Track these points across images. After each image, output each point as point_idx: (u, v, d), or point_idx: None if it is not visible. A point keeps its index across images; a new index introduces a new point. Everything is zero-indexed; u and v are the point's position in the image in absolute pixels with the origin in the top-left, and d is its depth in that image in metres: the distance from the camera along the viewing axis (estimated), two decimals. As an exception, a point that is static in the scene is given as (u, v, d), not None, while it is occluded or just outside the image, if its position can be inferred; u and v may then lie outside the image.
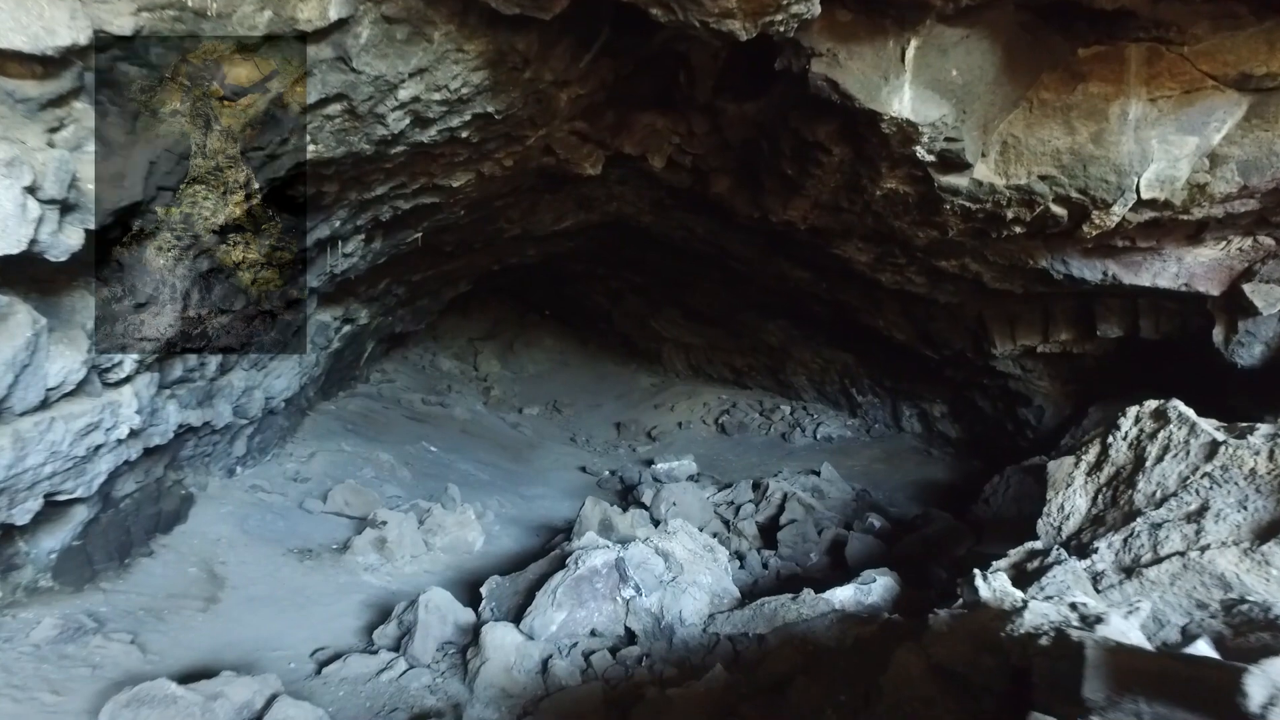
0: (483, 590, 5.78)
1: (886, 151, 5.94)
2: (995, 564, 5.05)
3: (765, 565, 7.88)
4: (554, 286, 18.02)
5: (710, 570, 5.49)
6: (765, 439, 14.18)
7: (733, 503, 9.24)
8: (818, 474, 10.03)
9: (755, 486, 9.36)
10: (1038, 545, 5.22)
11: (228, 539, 7.03)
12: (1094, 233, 6.19)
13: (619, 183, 9.49)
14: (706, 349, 16.93)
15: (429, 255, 10.48)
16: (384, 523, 7.38)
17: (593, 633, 5.21)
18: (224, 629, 5.65)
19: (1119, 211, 5.89)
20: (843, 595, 5.29)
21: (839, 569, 7.51)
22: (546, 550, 8.01)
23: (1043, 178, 5.88)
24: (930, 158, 5.87)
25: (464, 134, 5.90)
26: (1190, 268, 6.68)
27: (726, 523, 8.91)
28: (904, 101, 5.40)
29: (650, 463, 13.15)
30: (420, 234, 8.24)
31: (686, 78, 6.50)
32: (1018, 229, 6.57)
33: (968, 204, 6.32)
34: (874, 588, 5.39)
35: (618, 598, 5.10)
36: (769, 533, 8.58)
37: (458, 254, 10.82)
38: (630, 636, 5.20)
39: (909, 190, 6.49)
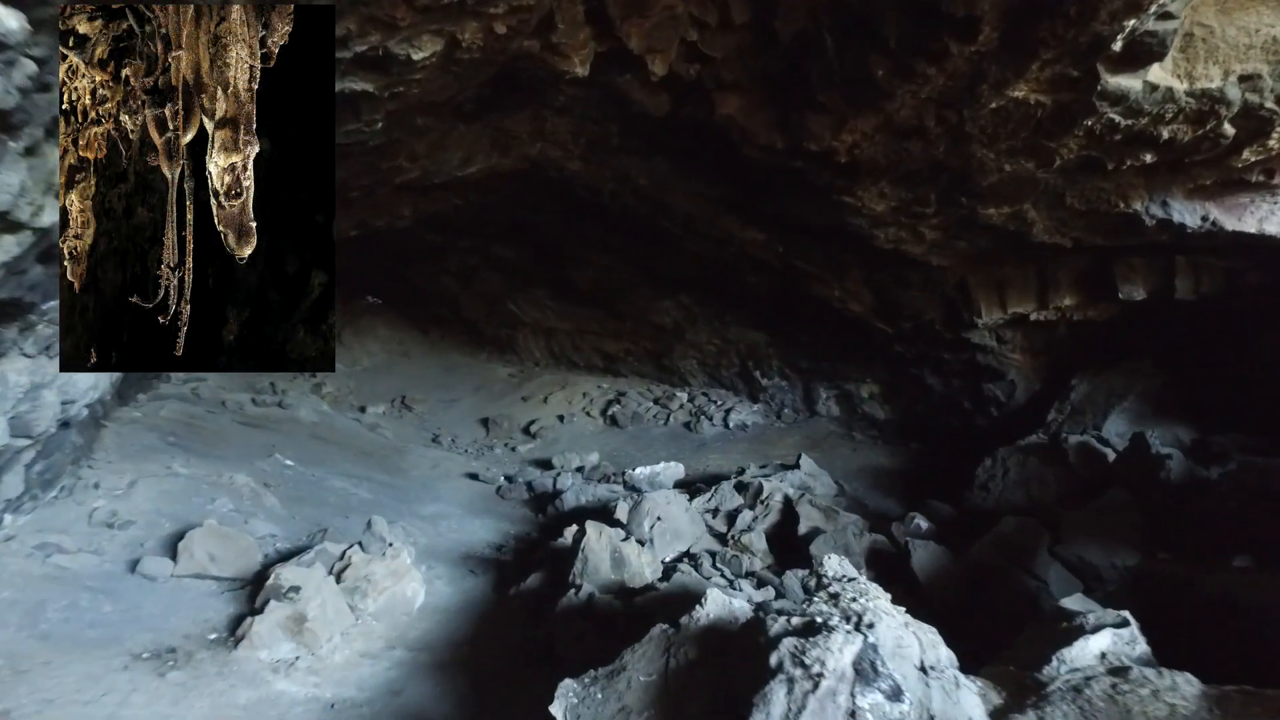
0: (559, 712, 3.27)
1: (1067, 31, 4.14)
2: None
3: (807, 590, 5.91)
4: (389, 267, 14.90)
5: (924, 629, 3.37)
6: (665, 430, 12.17)
7: (718, 510, 7.15)
8: (792, 467, 8.20)
9: (740, 488, 7.34)
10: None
11: (8, 654, 3.91)
12: (1256, 158, 4.80)
13: (561, 112, 7.05)
14: (573, 334, 14.62)
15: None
16: (294, 589, 4.53)
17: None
18: None
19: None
20: (1098, 645, 3.45)
21: (914, 592, 5.71)
22: (536, 600, 5.52)
23: (1244, 78, 4.35)
24: (1119, 46, 4.17)
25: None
26: (1310, 210, 5.53)
27: (721, 536, 6.81)
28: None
29: (546, 464, 10.74)
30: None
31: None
32: (1149, 156, 5.05)
33: (1118, 118, 4.68)
34: (1132, 631, 3.57)
35: (857, 710, 2.88)
36: (780, 546, 6.61)
37: (327, 205, 7.82)
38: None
39: (1045, 100, 4.73)
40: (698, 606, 3.45)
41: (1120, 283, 6.99)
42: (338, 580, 5.05)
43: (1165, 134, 4.74)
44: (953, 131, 5.28)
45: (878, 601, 3.20)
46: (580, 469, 10.30)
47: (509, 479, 9.95)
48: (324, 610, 4.53)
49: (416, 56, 4.37)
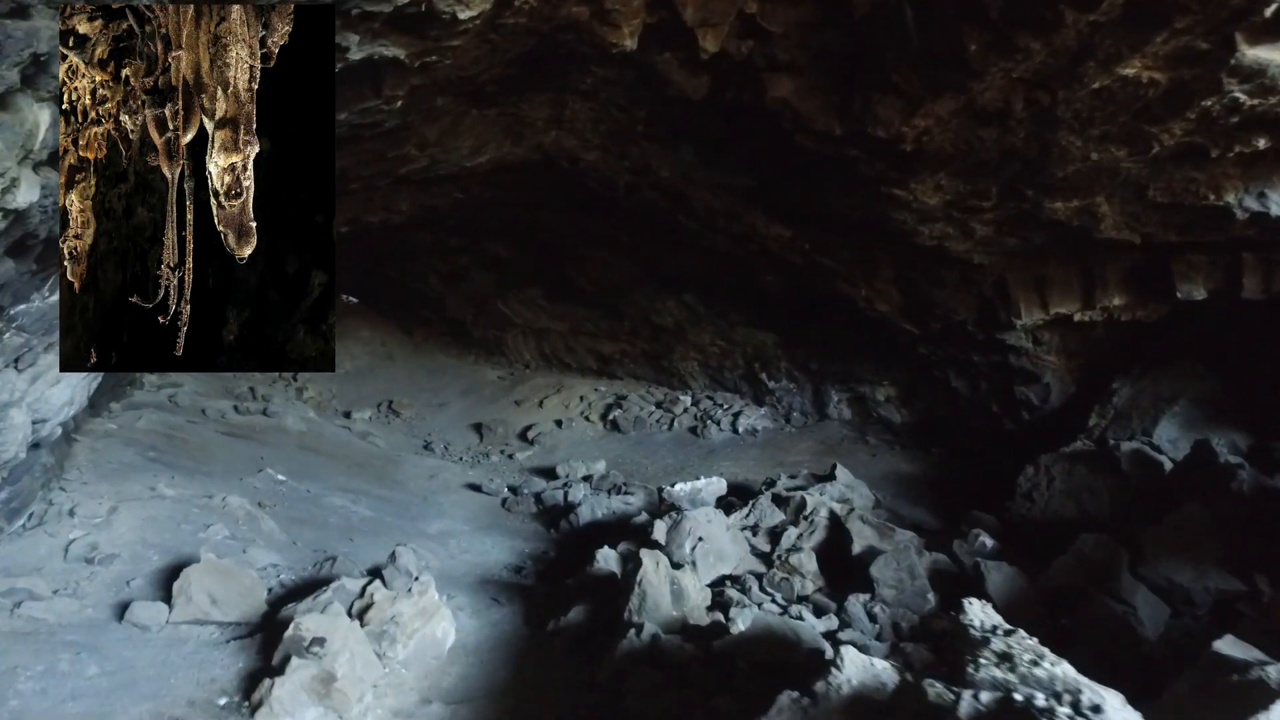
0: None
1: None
2: None
3: (873, 619, 5.33)
4: (374, 266, 14.08)
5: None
6: (670, 435, 11.52)
7: (757, 527, 6.54)
8: (827, 478, 7.61)
9: (779, 502, 6.74)
10: None
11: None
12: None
13: (585, 96, 6.38)
14: (567, 335, 13.91)
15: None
16: (319, 642, 3.81)
17: None
18: None
19: None
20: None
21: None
22: (582, 638, 4.85)
23: None
24: (1270, 11, 3.63)
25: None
26: None
27: (765, 556, 6.20)
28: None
29: (548, 473, 10.06)
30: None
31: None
32: (1262, 142, 4.54)
33: (1244, 96, 4.14)
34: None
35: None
36: (831, 566, 6.02)
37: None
38: None
39: (1159, 78, 4.19)
40: (834, 670, 2.83)
41: (1179, 281, 6.50)
42: (361, 622, 4.34)
43: (1292, 116, 4.24)
44: (1040, 116, 4.72)
45: (1064, 667, 2.61)
46: (588, 478, 9.63)
47: (514, 490, 9.25)
48: (353, 665, 3.82)
49: (463, 15, 3.69)
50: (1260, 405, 6.92)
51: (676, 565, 5.17)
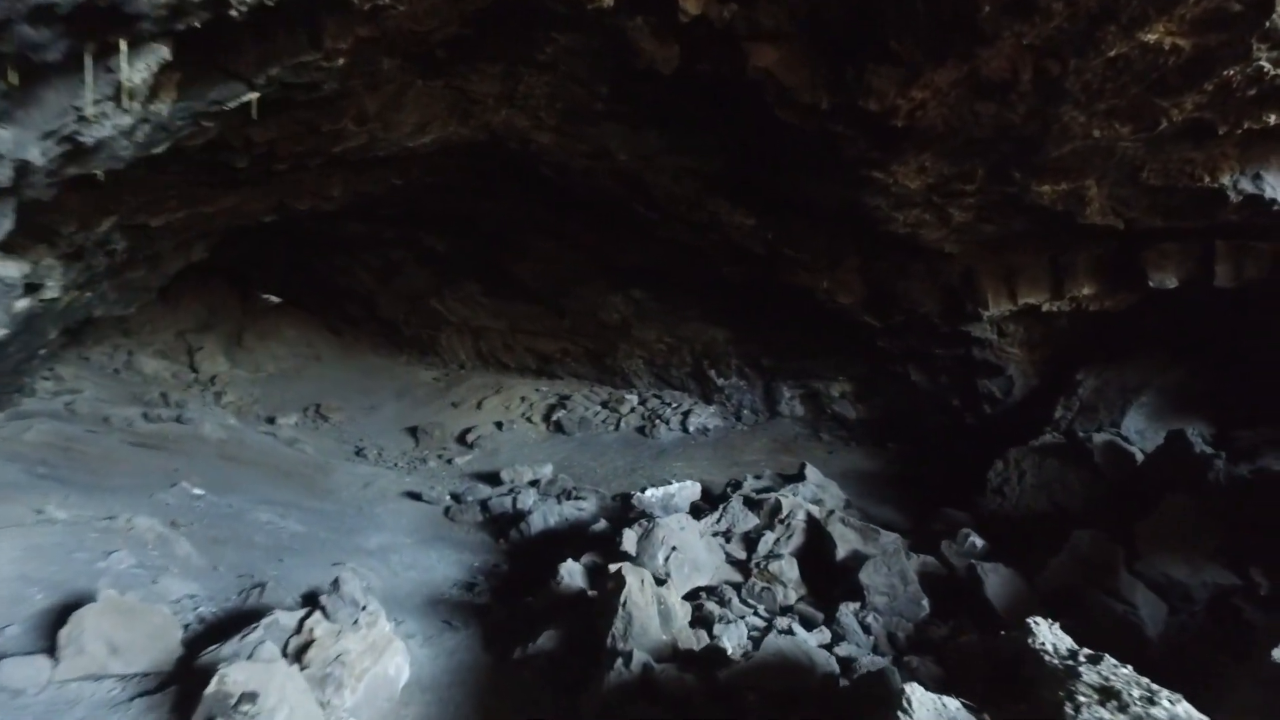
0: None
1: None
2: None
3: (867, 630, 4.86)
4: (299, 260, 13.03)
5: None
6: (617, 436, 10.93)
7: (730, 532, 6.02)
8: (795, 478, 7.15)
9: (752, 505, 6.24)
10: None
11: None
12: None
13: (542, 69, 5.74)
14: (505, 333, 13.18)
15: (203, 176, 5.87)
16: (249, 698, 3.08)
17: None
18: None
19: None
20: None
21: (990, 624, 4.74)
22: (555, 667, 4.21)
23: None
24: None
25: None
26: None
27: (740, 564, 5.68)
28: None
29: (491, 478, 9.33)
30: (255, 94, 3.90)
31: None
32: (1273, 118, 4.28)
33: (1269, 65, 3.85)
34: None
35: None
36: (812, 572, 5.54)
37: (247, 180, 6.24)
38: None
39: (1183, 44, 3.84)
40: (901, 716, 2.32)
41: (1151, 270, 6.31)
42: (300, 664, 3.62)
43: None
44: (1046, 88, 4.34)
45: (1184, 706, 2.16)
46: (535, 483, 8.96)
47: (456, 498, 8.52)
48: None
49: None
50: (1225, 395, 6.81)
51: (659, 581, 4.60)
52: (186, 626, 4.17)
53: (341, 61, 4.08)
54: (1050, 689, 2.31)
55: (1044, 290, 7.02)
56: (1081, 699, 2.19)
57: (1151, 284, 6.36)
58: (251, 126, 4.91)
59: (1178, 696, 2.20)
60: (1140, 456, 6.48)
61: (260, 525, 6.34)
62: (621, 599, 4.00)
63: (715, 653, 3.87)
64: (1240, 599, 4.90)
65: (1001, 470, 7.08)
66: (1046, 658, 2.50)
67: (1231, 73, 3.92)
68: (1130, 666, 2.37)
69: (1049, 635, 2.61)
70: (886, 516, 7.47)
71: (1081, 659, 2.46)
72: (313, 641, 3.76)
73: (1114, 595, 4.84)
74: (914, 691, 2.38)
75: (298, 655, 3.70)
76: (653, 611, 4.02)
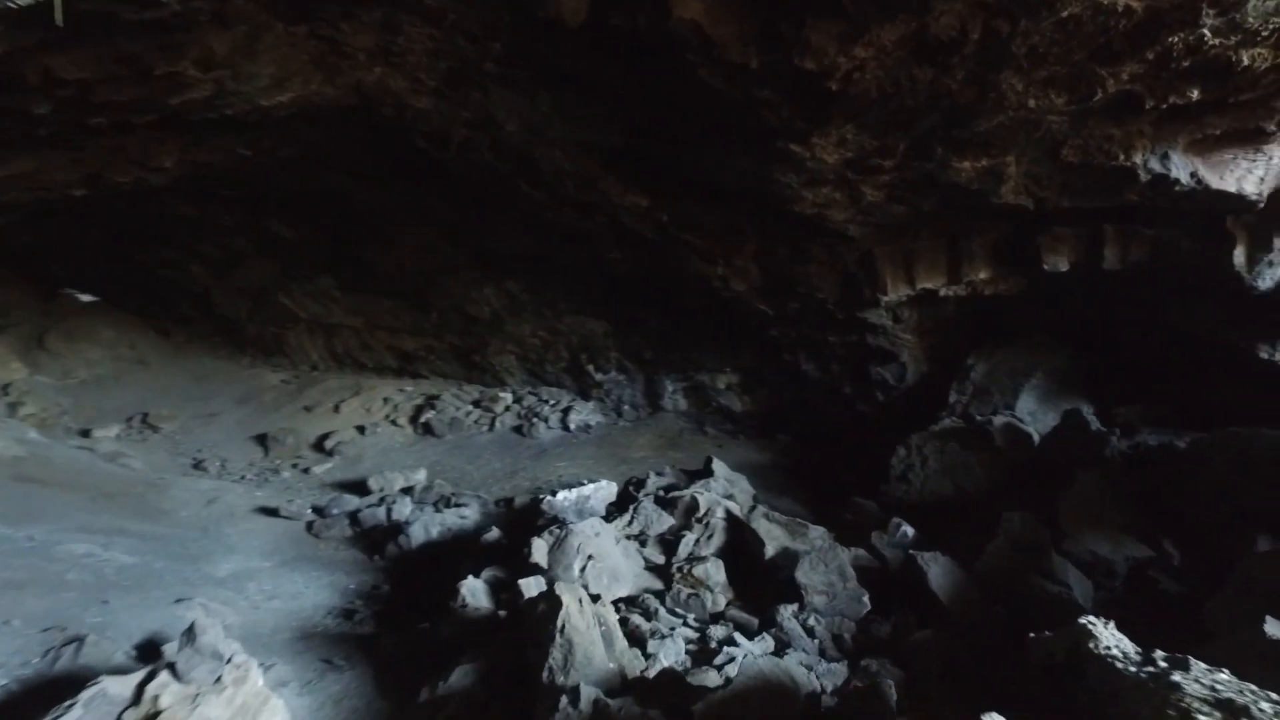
0: None
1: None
2: None
3: (810, 634, 4.40)
4: (116, 250, 11.17)
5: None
6: (493, 436, 10.06)
7: (644, 535, 5.40)
8: (701, 473, 6.64)
9: (664, 504, 5.65)
10: None
11: None
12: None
13: (426, 18, 4.89)
14: (362, 330, 11.93)
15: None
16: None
17: None
18: None
19: None
20: None
21: (935, 617, 4.40)
22: (475, 712, 3.41)
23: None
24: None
25: None
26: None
27: (660, 569, 5.07)
28: None
29: (357, 487, 8.26)
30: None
31: None
32: (1195, 92, 4.21)
33: (1209, 34, 3.74)
34: None
35: None
36: (738, 573, 5.04)
37: (50, 137, 4.98)
38: None
39: (1136, 6, 3.65)
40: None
41: (1045, 254, 6.35)
42: (142, 749, 2.67)
43: (1245, 59, 3.89)
44: (990, 50, 4.07)
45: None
46: (408, 490, 8.04)
47: (319, 511, 7.44)
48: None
49: None
50: (1102, 375, 7.01)
51: (593, 598, 3.92)
52: (-32, 707, 3.08)
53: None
54: (1145, 703, 1.88)
55: (941, 274, 6.95)
56: (1202, 716, 1.77)
57: (1046, 267, 6.40)
58: (53, 54, 3.80)
59: (1227, 675, 1.84)
60: (1037, 437, 6.50)
61: (74, 560, 5.07)
62: (559, 623, 3.31)
63: (676, 680, 3.26)
64: (1156, 571, 4.89)
65: (905, 456, 6.94)
66: (1118, 664, 2.09)
67: (1175, 39, 3.80)
68: (1226, 671, 1.99)
69: (1110, 637, 2.21)
70: (788, 509, 7.09)
71: (1161, 664, 2.06)
72: (158, 715, 2.80)
73: (1048, 576, 4.67)
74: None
75: (138, 738, 2.75)
76: (595, 635, 3.36)
